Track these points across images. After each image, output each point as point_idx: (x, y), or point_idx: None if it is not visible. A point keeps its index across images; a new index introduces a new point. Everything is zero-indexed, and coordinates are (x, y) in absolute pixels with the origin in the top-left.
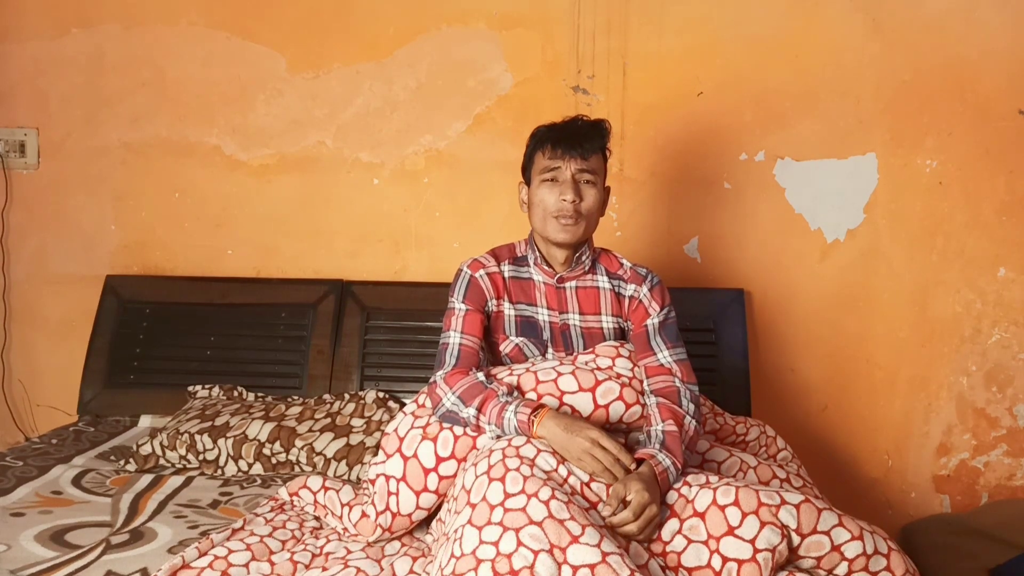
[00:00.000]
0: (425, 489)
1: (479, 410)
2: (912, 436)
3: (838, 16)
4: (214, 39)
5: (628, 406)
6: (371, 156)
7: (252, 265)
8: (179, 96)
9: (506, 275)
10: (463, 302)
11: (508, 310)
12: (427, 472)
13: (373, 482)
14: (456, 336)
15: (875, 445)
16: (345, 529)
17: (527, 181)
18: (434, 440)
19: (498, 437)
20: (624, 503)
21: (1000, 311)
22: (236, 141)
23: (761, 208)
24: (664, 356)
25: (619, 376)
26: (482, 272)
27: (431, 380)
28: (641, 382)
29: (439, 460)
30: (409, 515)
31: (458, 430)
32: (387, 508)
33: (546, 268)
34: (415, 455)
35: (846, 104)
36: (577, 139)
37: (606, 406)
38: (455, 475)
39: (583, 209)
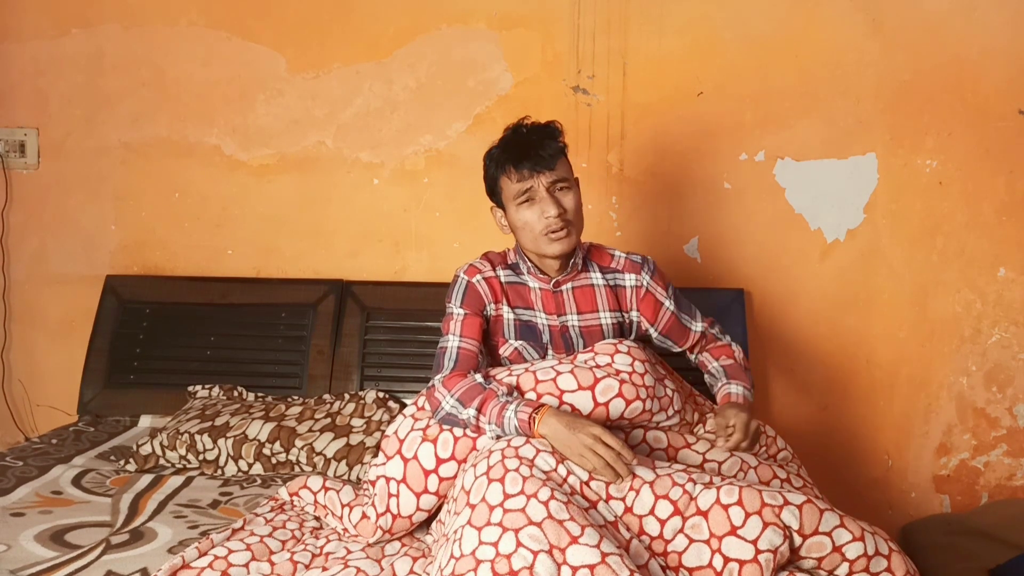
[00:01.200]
0: (425, 491)
1: (479, 410)
2: (912, 436)
3: (838, 16)
4: (214, 39)
5: (628, 402)
6: (371, 156)
7: (252, 265)
8: (179, 96)
9: (503, 280)
10: (461, 307)
11: (507, 314)
12: (427, 474)
13: (373, 484)
14: (455, 340)
15: (875, 445)
16: (345, 530)
17: (499, 205)
18: (434, 442)
19: (498, 437)
20: (728, 429)
21: (1000, 311)
22: (236, 141)
23: (761, 208)
24: (697, 327)
25: (618, 373)
26: (479, 277)
27: (429, 384)
28: (642, 376)
29: (439, 462)
30: (409, 516)
31: (458, 431)
32: (387, 510)
33: (541, 275)
34: (415, 457)
35: (846, 104)
36: (537, 152)
37: (606, 403)
38: (455, 476)
39: (570, 217)
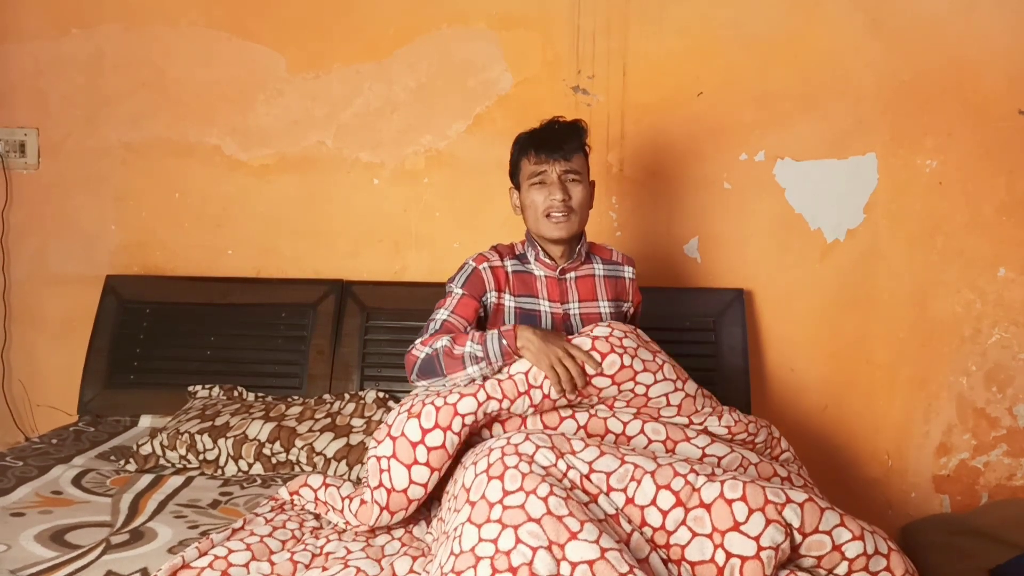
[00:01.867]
0: (415, 462)
1: (453, 340)
2: (912, 436)
3: (838, 16)
4: (214, 39)
5: (603, 355)
6: (371, 156)
7: (252, 265)
8: (179, 96)
9: (509, 270)
10: (461, 288)
11: (508, 302)
12: (415, 445)
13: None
14: (445, 313)
15: (875, 445)
16: (347, 522)
17: (516, 186)
18: (418, 416)
19: (477, 360)
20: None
21: (1000, 311)
22: (236, 141)
23: (761, 208)
24: None
25: (595, 339)
26: (486, 265)
27: (408, 349)
28: (620, 339)
29: (424, 432)
30: (404, 491)
31: (438, 401)
32: (380, 484)
33: (547, 262)
34: (402, 433)
35: (846, 104)
36: (558, 142)
37: None
38: (443, 445)
39: (573, 205)
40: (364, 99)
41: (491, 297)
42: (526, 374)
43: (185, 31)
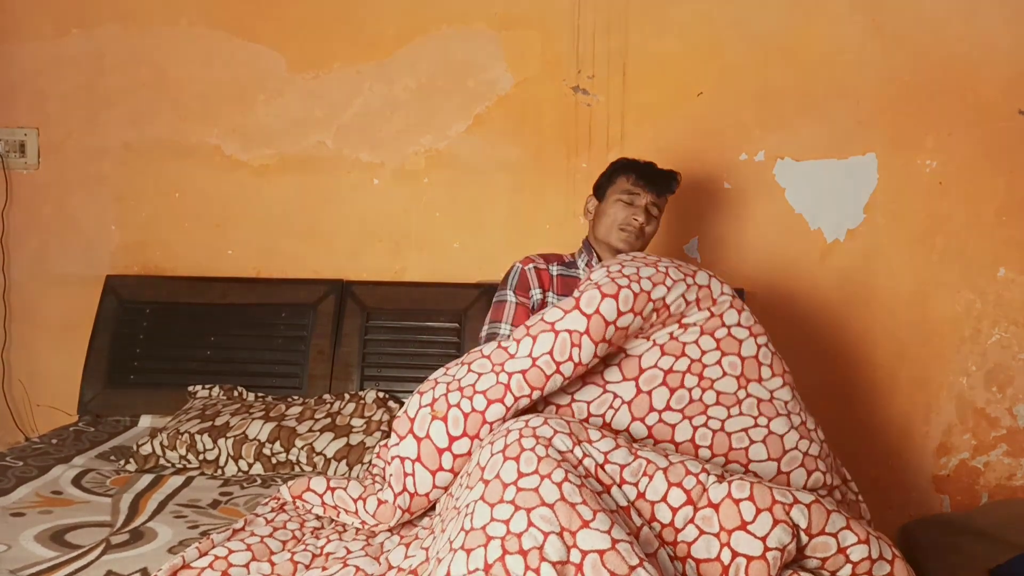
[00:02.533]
0: (440, 468)
1: None
2: (912, 436)
3: (838, 16)
4: (214, 39)
5: (615, 297)
6: (371, 156)
7: (252, 265)
8: (179, 96)
9: (554, 273)
10: (514, 293)
11: (553, 300)
12: (441, 452)
13: (389, 462)
14: (506, 328)
15: (875, 445)
16: (363, 523)
17: (598, 196)
18: (444, 420)
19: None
20: None
21: (1000, 311)
22: (236, 141)
23: (761, 208)
24: None
25: (599, 285)
26: (531, 267)
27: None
28: (619, 270)
29: (451, 439)
30: (426, 494)
31: (465, 406)
32: (404, 488)
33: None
34: (427, 436)
35: (846, 104)
36: (659, 179)
37: (596, 311)
38: (469, 452)
39: (646, 231)
40: (364, 99)
41: (536, 294)
42: (550, 353)
43: (185, 31)
